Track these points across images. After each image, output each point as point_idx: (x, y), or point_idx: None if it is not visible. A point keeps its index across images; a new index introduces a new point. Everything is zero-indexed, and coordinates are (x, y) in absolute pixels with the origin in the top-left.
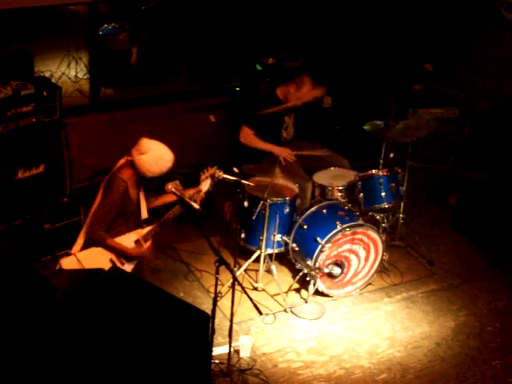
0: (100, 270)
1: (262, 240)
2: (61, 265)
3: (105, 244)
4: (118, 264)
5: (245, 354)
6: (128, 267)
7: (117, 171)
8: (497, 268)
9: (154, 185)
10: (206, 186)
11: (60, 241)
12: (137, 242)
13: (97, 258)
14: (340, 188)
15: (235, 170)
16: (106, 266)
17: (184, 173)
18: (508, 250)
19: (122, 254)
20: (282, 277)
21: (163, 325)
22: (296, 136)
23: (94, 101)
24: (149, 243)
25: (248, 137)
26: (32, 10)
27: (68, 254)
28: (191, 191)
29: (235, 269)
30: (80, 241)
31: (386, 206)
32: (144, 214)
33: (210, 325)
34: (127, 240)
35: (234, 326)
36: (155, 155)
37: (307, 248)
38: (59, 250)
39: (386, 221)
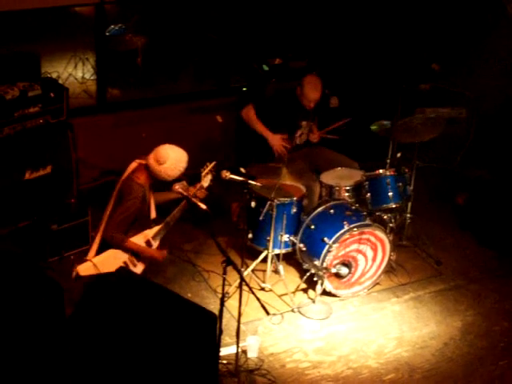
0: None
1: (269, 240)
2: (78, 272)
3: (124, 245)
4: (131, 266)
5: (252, 354)
6: (139, 268)
7: (132, 176)
8: (504, 267)
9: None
10: (206, 181)
11: (67, 242)
12: (147, 242)
13: (112, 262)
14: (347, 188)
15: (242, 170)
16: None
17: (190, 173)
18: None
19: (139, 253)
20: (290, 277)
21: (171, 325)
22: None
23: (101, 102)
24: (157, 243)
25: (250, 114)
26: (39, 11)
27: (84, 261)
28: (193, 189)
29: (242, 269)
30: (95, 246)
31: (394, 206)
32: (153, 214)
33: (218, 325)
34: (138, 241)
35: (242, 327)
36: (174, 162)
37: (314, 248)
38: (66, 251)
39: (393, 221)
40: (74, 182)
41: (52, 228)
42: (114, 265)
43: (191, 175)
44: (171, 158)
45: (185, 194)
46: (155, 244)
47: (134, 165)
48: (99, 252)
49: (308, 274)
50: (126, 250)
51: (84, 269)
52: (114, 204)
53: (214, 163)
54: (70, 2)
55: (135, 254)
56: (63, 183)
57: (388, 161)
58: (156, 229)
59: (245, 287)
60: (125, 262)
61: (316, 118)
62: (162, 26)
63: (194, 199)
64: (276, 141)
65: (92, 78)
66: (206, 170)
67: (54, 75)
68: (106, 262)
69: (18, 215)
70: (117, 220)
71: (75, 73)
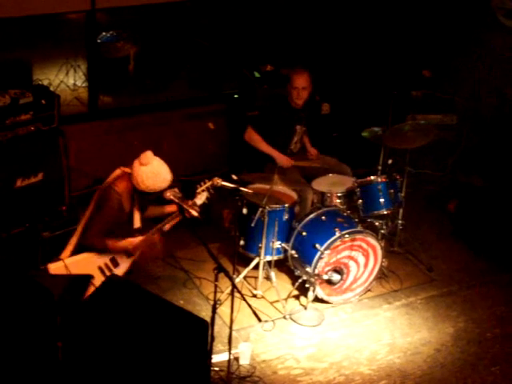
0: (89, 276)
1: (260, 247)
2: (48, 269)
3: (107, 247)
4: (106, 271)
5: (244, 361)
6: (119, 271)
7: (112, 184)
8: (496, 274)
9: (151, 197)
10: (201, 199)
11: (59, 249)
12: (127, 252)
13: (84, 265)
14: (339, 195)
15: (234, 177)
16: (94, 272)
17: (182, 180)
18: (507, 256)
19: (125, 250)
20: (282, 284)
21: (163, 332)
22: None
23: (93, 109)
24: (138, 254)
25: (253, 137)
26: (30, 18)
27: (56, 260)
28: (186, 204)
29: (234, 276)
30: (70, 247)
31: (385, 213)
32: (136, 224)
33: (210, 332)
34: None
35: (234, 334)
36: (154, 170)
37: (306, 255)
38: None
39: (384, 227)
40: (65, 190)
41: (44, 235)
42: (86, 269)
43: (183, 182)
44: (154, 165)
45: (176, 200)
46: (135, 255)
47: (117, 172)
48: (74, 254)
49: (300, 280)
50: (111, 251)
51: (55, 268)
52: (92, 210)
53: (211, 182)
54: (61, 9)
55: (113, 259)
56: (55, 190)
57: (379, 167)
58: (139, 238)
59: (237, 294)
60: (100, 268)
61: (306, 130)
62: (153, 33)
63: (185, 206)
64: (284, 160)
65: (84, 85)
66: (203, 187)
67: (46, 82)
68: (78, 264)
69: (9, 222)
70: (95, 228)
71: (67, 80)
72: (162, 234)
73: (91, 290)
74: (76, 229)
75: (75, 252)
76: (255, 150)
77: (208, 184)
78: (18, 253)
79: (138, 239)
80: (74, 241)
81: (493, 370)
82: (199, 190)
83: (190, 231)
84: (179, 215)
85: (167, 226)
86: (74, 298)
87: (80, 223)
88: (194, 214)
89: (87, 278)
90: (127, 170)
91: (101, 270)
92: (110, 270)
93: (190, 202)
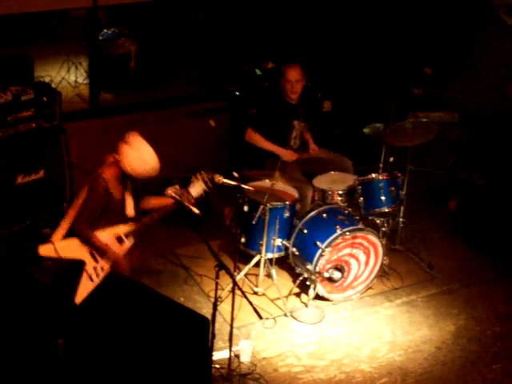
0: (82, 263)
1: (261, 244)
2: (38, 251)
3: (91, 242)
4: (97, 255)
5: (245, 358)
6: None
7: (100, 170)
8: (497, 272)
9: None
10: (196, 190)
11: None
12: (118, 238)
13: (75, 250)
14: (340, 192)
15: (235, 174)
16: (85, 257)
17: (182, 177)
18: (508, 254)
19: (100, 252)
20: (282, 281)
21: (163, 329)
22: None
23: (94, 106)
24: (131, 241)
25: (254, 137)
26: (32, 15)
27: (48, 242)
28: (186, 202)
29: (235, 273)
30: (61, 231)
31: (386, 210)
32: (130, 212)
33: (210, 329)
34: (109, 235)
35: (235, 331)
36: (141, 152)
37: (307, 252)
38: None
39: (386, 225)
40: (66, 186)
41: (45, 232)
42: (76, 253)
43: (184, 179)
44: (140, 147)
45: (178, 198)
46: (128, 242)
47: (108, 158)
48: (66, 238)
49: (301, 278)
50: (91, 244)
51: (45, 249)
52: (84, 196)
53: (210, 174)
54: (63, 6)
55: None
56: (56, 187)
57: (381, 165)
58: (130, 227)
59: (237, 291)
60: (91, 253)
61: (307, 125)
62: (154, 31)
63: (186, 203)
64: (288, 154)
65: (85, 82)
66: (199, 178)
67: (47, 79)
68: (68, 248)
69: (10, 219)
70: (83, 214)
71: (68, 77)
72: (149, 226)
73: (84, 276)
74: (68, 212)
75: (67, 236)
76: (256, 147)
77: (204, 176)
78: (18, 250)
79: (111, 249)
80: (65, 225)
81: (493, 368)
82: (193, 178)
83: (191, 229)
84: (173, 206)
85: (155, 215)
86: (67, 286)
87: (72, 207)
88: (196, 211)
89: (79, 265)
90: (117, 156)
91: (92, 254)
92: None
93: (184, 191)
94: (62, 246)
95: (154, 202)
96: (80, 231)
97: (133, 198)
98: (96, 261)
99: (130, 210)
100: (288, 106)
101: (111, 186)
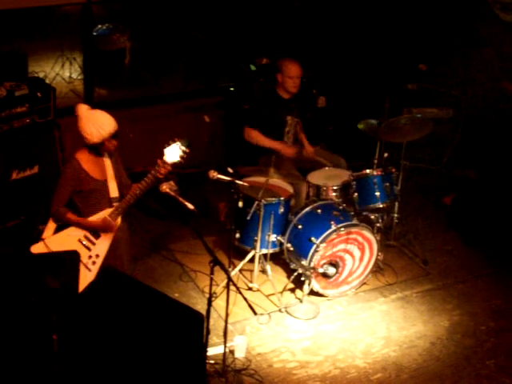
0: (74, 252)
1: (256, 240)
2: (30, 250)
3: (66, 220)
4: (88, 243)
5: (240, 354)
6: (102, 244)
7: (75, 152)
8: (491, 267)
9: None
10: (170, 156)
11: None
12: (104, 220)
13: (64, 241)
14: (334, 188)
15: (230, 170)
16: (75, 246)
17: (177, 173)
18: (502, 249)
19: (87, 228)
20: (277, 277)
21: (158, 325)
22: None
23: (88, 101)
24: (118, 222)
25: (252, 135)
26: (26, 10)
27: (39, 240)
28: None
29: (230, 269)
30: (50, 225)
31: (381, 206)
32: (113, 193)
33: (205, 325)
34: (97, 218)
35: (229, 327)
36: (92, 116)
37: (302, 248)
38: None
39: (380, 220)
40: None
41: (39, 228)
42: (66, 243)
43: (180, 175)
44: (86, 114)
45: (172, 194)
46: (115, 222)
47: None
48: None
49: (295, 273)
50: (70, 223)
51: (36, 247)
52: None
53: (186, 143)
54: (57, 1)
55: (92, 230)
56: (50, 183)
57: (375, 161)
58: (114, 207)
59: (232, 287)
60: (79, 240)
61: (300, 122)
62: (149, 26)
63: (181, 199)
64: (288, 149)
65: (79, 77)
66: (171, 144)
67: (41, 75)
68: (58, 241)
69: (5, 215)
70: (56, 194)
71: (62, 72)
72: (131, 203)
73: (81, 267)
74: None
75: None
76: (250, 143)
77: (177, 140)
78: (13, 245)
79: (92, 219)
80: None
81: (487, 364)
82: (166, 148)
83: (185, 224)
84: (152, 180)
85: (137, 192)
86: (65, 279)
87: None
88: (190, 206)
89: (73, 255)
90: None
91: (81, 242)
92: (91, 241)
93: (160, 162)
94: (52, 240)
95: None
96: (54, 211)
97: (116, 180)
98: (88, 249)
99: (113, 191)
100: (281, 101)
101: (85, 165)
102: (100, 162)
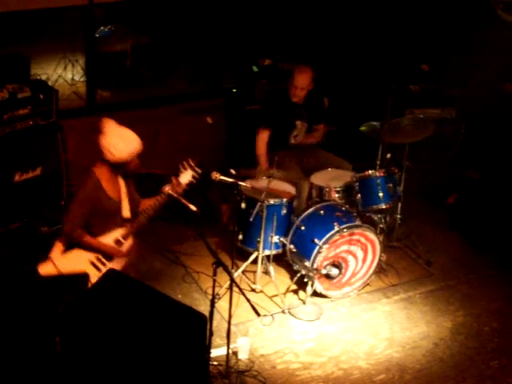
0: (86, 275)
1: (259, 241)
2: (37, 271)
3: (82, 242)
4: (99, 265)
5: (243, 355)
6: (115, 265)
7: (94, 167)
8: (494, 268)
9: (150, 188)
10: (185, 178)
11: None
12: (117, 241)
13: (74, 261)
14: (337, 189)
15: (232, 171)
16: (86, 268)
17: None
18: (506, 250)
19: (102, 252)
20: (280, 278)
21: (161, 327)
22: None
23: (91, 103)
24: (130, 242)
25: (259, 137)
26: (28, 12)
27: (47, 259)
28: (170, 184)
29: (233, 270)
30: (59, 244)
31: (384, 207)
32: (126, 213)
33: (208, 327)
34: (108, 239)
35: (232, 328)
36: (120, 133)
37: (305, 249)
38: None
39: (383, 221)
40: (63, 184)
41: (42, 230)
42: (76, 264)
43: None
44: (113, 131)
45: (175, 195)
46: (126, 243)
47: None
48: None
49: (298, 275)
50: (87, 247)
51: (44, 268)
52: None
53: (196, 160)
54: (59, 3)
55: (104, 252)
56: (53, 185)
57: (378, 162)
58: (127, 228)
59: (235, 288)
60: (92, 262)
61: (307, 126)
62: (152, 28)
63: (184, 201)
64: (261, 173)
65: (82, 79)
66: (186, 166)
67: (44, 77)
68: (67, 261)
69: (7, 217)
70: (72, 212)
71: (65, 74)
72: (142, 225)
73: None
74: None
75: (67, 247)
76: (253, 144)
77: (191, 163)
78: (16, 247)
79: (108, 244)
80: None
81: (491, 364)
82: (182, 168)
83: (189, 226)
84: (164, 199)
85: (149, 212)
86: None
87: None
88: (193, 208)
89: (83, 278)
90: None
91: (93, 264)
92: (102, 263)
93: (175, 181)
94: (61, 260)
95: (149, 202)
96: (68, 233)
97: (129, 200)
98: (98, 270)
99: (126, 211)
100: (293, 105)
101: (105, 183)
102: (115, 181)
